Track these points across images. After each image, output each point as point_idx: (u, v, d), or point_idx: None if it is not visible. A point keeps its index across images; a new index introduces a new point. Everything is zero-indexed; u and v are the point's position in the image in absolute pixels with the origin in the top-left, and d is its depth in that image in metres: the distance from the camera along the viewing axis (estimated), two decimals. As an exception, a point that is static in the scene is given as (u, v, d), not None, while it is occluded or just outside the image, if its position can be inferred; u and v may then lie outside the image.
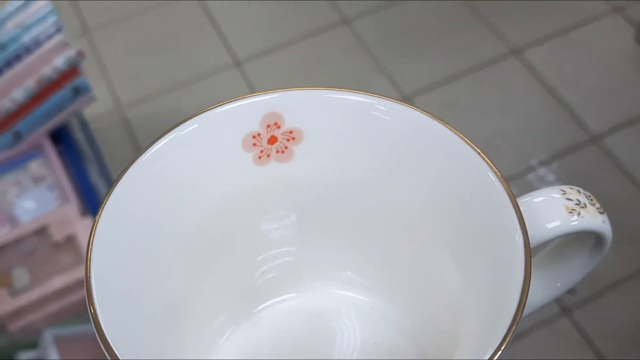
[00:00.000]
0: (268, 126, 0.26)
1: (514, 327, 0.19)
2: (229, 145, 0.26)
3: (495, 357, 0.19)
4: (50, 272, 0.73)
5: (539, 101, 0.91)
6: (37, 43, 0.83)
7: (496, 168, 0.23)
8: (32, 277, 0.73)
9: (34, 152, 0.83)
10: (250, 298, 0.29)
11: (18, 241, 0.75)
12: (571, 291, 0.25)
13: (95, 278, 0.22)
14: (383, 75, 0.96)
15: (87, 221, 0.75)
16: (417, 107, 0.25)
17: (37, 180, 0.81)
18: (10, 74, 0.81)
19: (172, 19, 1.11)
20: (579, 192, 0.23)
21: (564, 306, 0.74)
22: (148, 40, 1.09)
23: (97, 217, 0.24)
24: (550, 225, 0.22)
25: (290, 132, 0.26)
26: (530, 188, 0.38)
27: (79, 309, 0.73)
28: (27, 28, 0.84)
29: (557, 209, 0.22)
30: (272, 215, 0.29)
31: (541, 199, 0.23)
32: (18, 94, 0.81)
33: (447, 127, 0.25)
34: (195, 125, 0.26)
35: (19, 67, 0.81)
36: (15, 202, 0.79)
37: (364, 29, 1.01)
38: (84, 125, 0.96)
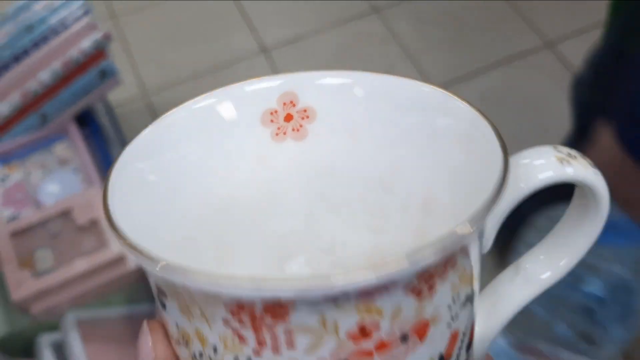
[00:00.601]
0: (284, 104, 0.27)
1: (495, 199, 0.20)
2: (248, 120, 0.27)
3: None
4: (74, 255, 0.72)
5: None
6: (64, 25, 0.83)
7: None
8: (55, 260, 0.72)
9: (60, 134, 0.83)
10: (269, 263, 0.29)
11: (42, 223, 0.75)
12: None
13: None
14: (413, 65, 0.94)
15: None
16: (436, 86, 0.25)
17: (62, 162, 0.81)
18: (37, 55, 0.81)
19: (199, 5, 1.10)
20: (570, 150, 0.23)
21: None
22: (175, 26, 1.08)
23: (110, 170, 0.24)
24: (541, 175, 0.23)
25: (305, 111, 0.27)
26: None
27: (102, 291, 0.72)
28: (54, 10, 0.84)
29: (548, 159, 0.23)
30: (287, 196, 0.28)
31: (531, 150, 0.23)
32: (45, 76, 0.80)
33: (463, 102, 0.24)
34: (214, 99, 0.27)
35: (45, 49, 0.81)
36: (40, 185, 0.79)
37: (394, 17, 0.99)
38: (109, 109, 0.95)
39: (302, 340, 0.20)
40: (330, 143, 0.28)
